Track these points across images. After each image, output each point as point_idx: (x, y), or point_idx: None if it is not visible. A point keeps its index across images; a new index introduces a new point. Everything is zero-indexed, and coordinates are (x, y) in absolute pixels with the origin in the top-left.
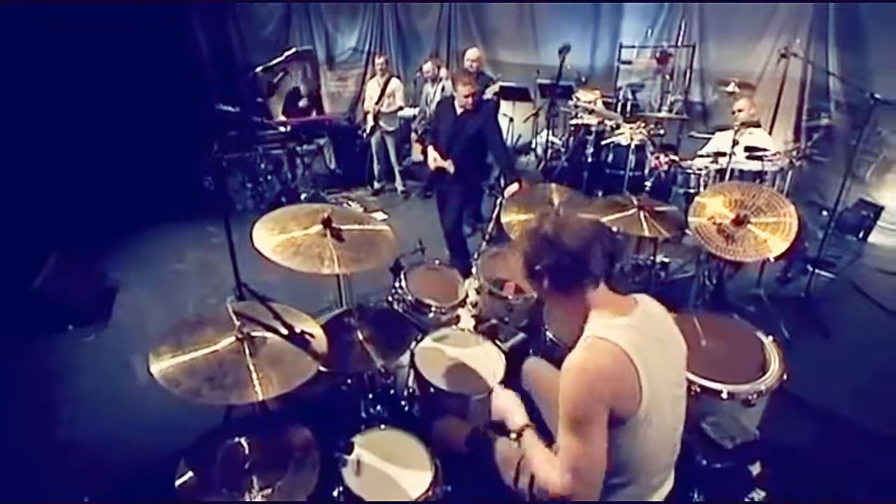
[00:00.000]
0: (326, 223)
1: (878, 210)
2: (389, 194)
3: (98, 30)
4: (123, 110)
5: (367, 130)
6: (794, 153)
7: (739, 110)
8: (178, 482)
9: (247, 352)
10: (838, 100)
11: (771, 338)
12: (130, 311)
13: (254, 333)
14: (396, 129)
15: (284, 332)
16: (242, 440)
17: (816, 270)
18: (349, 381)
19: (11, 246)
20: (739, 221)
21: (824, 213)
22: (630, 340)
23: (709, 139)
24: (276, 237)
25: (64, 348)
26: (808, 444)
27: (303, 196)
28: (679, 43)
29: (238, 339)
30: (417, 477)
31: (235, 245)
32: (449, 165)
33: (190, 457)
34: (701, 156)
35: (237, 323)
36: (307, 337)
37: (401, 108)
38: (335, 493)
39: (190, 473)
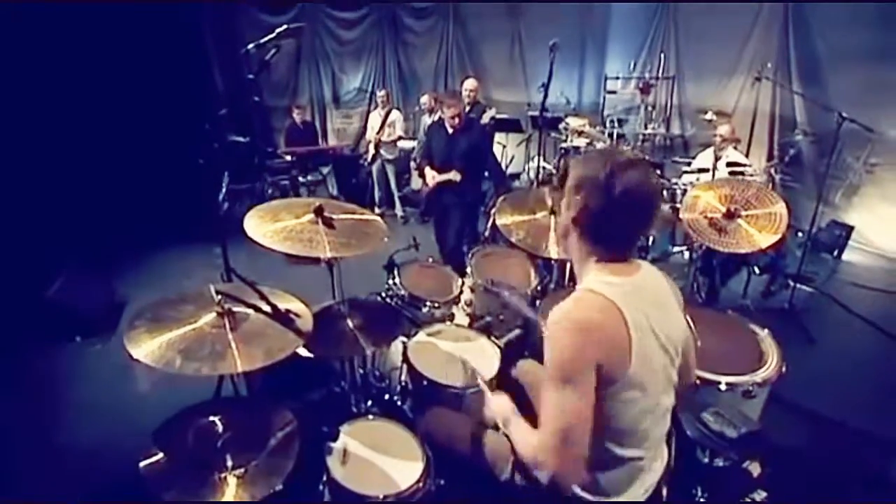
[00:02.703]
0: (318, 212)
1: (849, 229)
2: (389, 219)
3: (129, 67)
4: (145, 142)
5: (369, 159)
6: (773, 169)
7: (721, 135)
8: (143, 464)
9: (227, 326)
10: (805, 130)
11: (766, 331)
12: None
13: (235, 309)
14: (396, 157)
15: (268, 309)
16: (217, 419)
17: (797, 285)
18: (343, 384)
19: (29, 256)
20: (730, 215)
21: (800, 234)
22: (623, 296)
23: (690, 162)
24: (268, 225)
25: (70, 356)
26: (804, 444)
27: None
28: (660, 75)
29: (219, 313)
30: (407, 468)
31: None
32: (454, 175)
33: (159, 436)
34: (686, 172)
35: (217, 298)
36: (292, 315)
37: (400, 138)
38: (320, 487)
39: (159, 455)
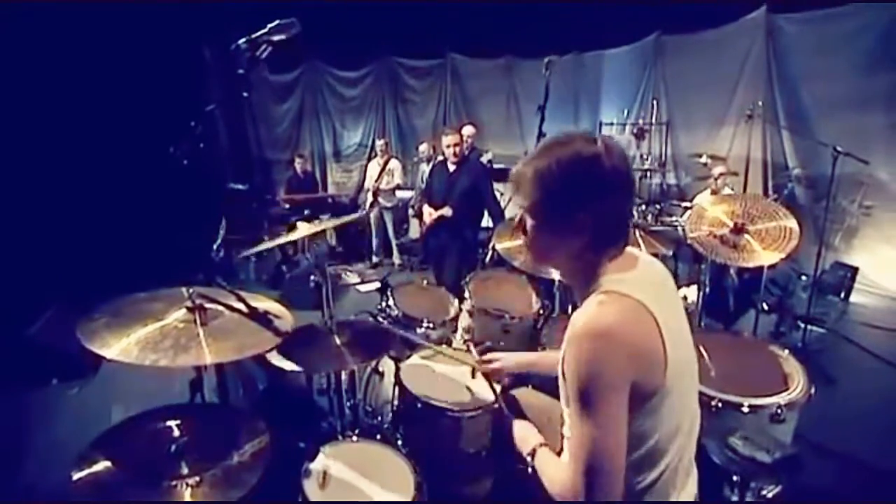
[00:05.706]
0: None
1: (853, 270)
2: (387, 267)
3: (131, 114)
4: (137, 183)
5: (367, 207)
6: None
7: (721, 173)
8: (75, 476)
9: (196, 321)
10: (798, 175)
11: (787, 351)
12: (119, 368)
13: (207, 306)
14: (394, 206)
15: (244, 309)
16: (173, 423)
17: (808, 326)
18: (331, 419)
19: (11, 294)
20: (738, 230)
21: (804, 277)
22: (645, 293)
23: (690, 202)
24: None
25: (45, 399)
26: (836, 487)
27: (303, 264)
28: (653, 121)
29: (189, 308)
30: (396, 495)
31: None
32: (446, 211)
33: (103, 443)
34: (687, 208)
35: (188, 293)
36: (270, 316)
37: (399, 187)
38: None
39: (101, 463)
